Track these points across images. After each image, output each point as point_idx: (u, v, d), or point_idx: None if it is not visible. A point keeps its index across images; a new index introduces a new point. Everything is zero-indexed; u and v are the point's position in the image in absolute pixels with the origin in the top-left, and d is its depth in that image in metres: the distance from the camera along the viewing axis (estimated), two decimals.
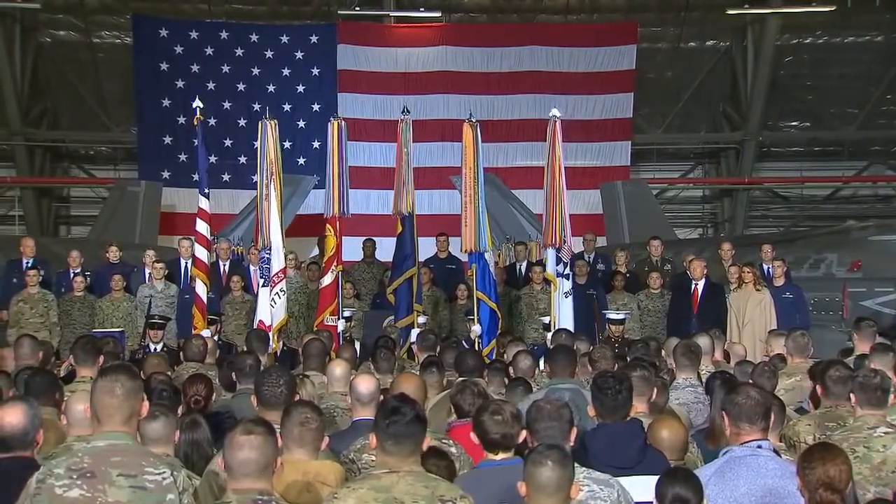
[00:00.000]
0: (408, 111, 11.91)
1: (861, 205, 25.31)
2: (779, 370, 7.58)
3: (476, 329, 11.32)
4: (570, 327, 10.79)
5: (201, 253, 11.27)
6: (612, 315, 11.98)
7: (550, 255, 11.37)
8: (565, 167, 11.29)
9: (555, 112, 11.47)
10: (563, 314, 11.09)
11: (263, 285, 10.95)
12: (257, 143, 11.35)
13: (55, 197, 25.12)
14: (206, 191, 11.39)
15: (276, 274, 10.88)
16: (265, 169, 11.01)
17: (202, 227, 11.24)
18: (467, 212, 11.34)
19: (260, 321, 10.82)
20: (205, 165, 11.61)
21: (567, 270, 11.24)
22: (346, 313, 11.65)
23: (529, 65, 22.13)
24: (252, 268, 14.42)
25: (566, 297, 11.15)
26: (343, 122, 11.59)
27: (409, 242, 11.58)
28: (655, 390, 5.94)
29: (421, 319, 11.67)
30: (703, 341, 8.11)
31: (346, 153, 11.42)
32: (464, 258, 15.63)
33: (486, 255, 11.37)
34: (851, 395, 5.41)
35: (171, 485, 3.89)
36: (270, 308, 10.80)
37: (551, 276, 11.39)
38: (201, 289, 11.11)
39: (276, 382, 5.25)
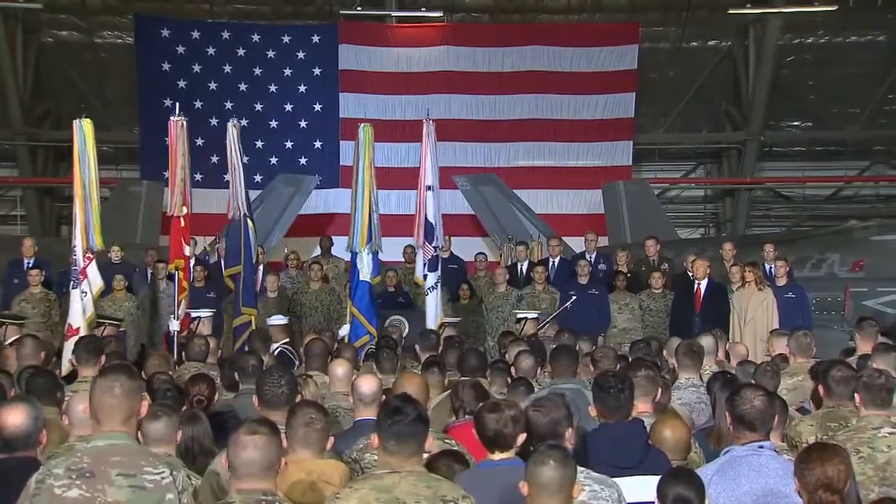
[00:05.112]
0: (235, 116, 11.90)
1: (863, 205, 25.32)
2: (781, 370, 7.58)
3: (343, 329, 11.42)
4: (434, 319, 11.38)
5: None
6: (520, 314, 12.20)
7: (419, 256, 11.84)
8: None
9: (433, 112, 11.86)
10: (430, 308, 11.63)
11: (73, 287, 10.63)
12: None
13: (57, 197, 25.14)
14: None
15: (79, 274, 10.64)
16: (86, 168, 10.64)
17: None
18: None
19: (69, 325, 10.54)
20: None
21: (426, 271, 11.67)
22: (193, 314, 11.29)
23: (531, 64, 22.11)
24: None
25: (430, 291, 11.61)
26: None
27: (237, 242, 11.49)
28: (660, 390, 5.92)
29: (276, 320, 11.60)
30: (706, 341, 8.10)
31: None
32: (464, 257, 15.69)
33: (358, 258, 11.38)
34: (856, 396, 5.40)
35: (170, 484, 3.89)
36: (81, 309, 10.51)
37: (419, 279, 11.90)
38: None
39: (277, 382, 5.24)
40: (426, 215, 11.67)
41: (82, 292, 10.56)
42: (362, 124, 11.67)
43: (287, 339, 10.41)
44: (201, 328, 11.06)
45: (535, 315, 12.17)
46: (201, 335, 9.59)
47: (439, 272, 11.79)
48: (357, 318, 11.26)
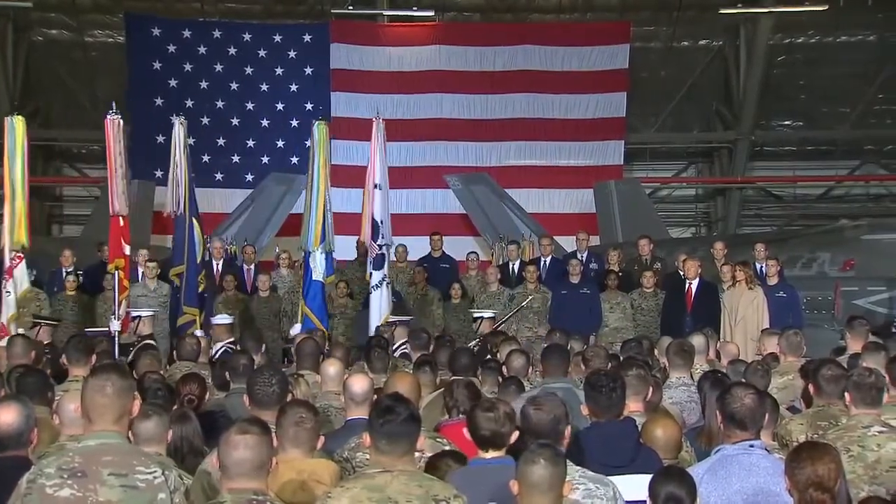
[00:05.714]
0: (182, 115, 11.81)
1: (853, 204, 25.40)
2: (771, 369, 7.60)
3: (294, 329, 11.41)
4: (378, 317, 11.42)
5: None
6: (476, 313, 12.28)
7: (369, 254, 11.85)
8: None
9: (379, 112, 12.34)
10: (373, 306, 11.65)
11: None
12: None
13: (48, 196, 25.04)
14: None
15: (4, 274, 10.57)
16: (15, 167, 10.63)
17: None
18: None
19: (0, 324, 10.50)
20: None
21: (371, 269, 11.75)
22: (133, 313, 11.03)
23: (523, 64, 22.11)
24: (245, 267, 14.44)
25: (375, 289, 11.66)
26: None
27: (181, 241, 11.42)
28: (651, 389, 5.94)
29: (220, 319, 11.50)
30: (697, 341, 8.11)
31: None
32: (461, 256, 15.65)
33: (312, 257, 11.29)
34: (846, 394, 5.41)
35: (161, 484, 3.89)
36: (3, 306, 10.46)
37: (367, 276, 11.95)
38: None
39: (268, 382, 5.23)
40: (373, 214, 11.65)
41: (6, 292, 10.49)
42: (316, 123, 11.59)
43: (231, 339, 10.33)
44: (142, 328, 10.92)
45: (492, 314, 12.25)
46: (193, 335, 9.57)
47: (385, 270, 11.81)
48: (309, 317, 11.20)
